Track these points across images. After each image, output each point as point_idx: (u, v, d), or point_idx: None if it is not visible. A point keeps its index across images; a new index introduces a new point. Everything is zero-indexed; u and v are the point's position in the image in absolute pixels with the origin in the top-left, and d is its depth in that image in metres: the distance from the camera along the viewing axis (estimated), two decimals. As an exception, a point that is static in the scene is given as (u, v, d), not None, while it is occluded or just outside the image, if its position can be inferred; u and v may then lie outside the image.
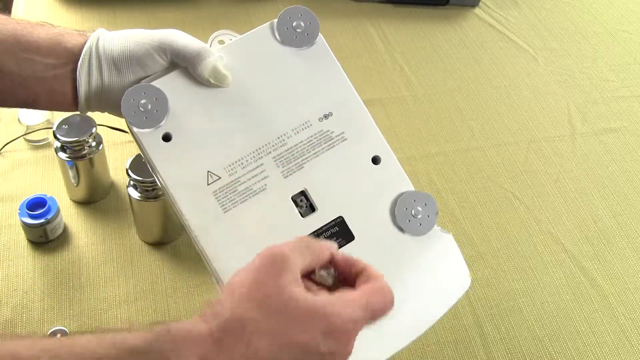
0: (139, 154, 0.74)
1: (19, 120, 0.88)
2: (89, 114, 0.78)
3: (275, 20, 0.54)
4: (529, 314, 0.76)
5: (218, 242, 0.50)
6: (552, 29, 1.19)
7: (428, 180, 0.90)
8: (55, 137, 0.76)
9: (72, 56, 0.51)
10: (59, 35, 0.51)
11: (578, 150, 0.97)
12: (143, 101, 0.50)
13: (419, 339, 0.72)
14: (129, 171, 0.72)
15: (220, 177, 0.51)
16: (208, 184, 0.50)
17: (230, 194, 0.50)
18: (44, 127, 0.88)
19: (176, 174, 0.50)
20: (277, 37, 0.53)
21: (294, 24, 0.53)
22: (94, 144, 0.79)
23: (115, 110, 0.52)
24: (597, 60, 1.13)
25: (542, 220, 0.86)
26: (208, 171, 0.51)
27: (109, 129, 0.89)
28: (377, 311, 0.42)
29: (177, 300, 0.74)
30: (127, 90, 0.50)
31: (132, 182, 0.74)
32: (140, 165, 0.73)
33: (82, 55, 0.50)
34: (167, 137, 0.51)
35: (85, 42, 0.51)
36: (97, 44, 0.51)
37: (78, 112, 0.78)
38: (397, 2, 1.21)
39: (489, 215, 0.87)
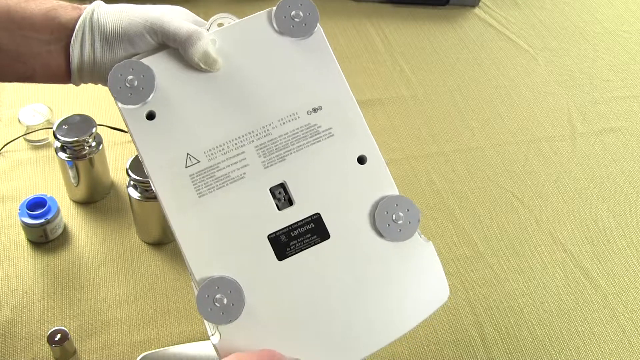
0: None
1: (19, 120, 0.88)
2: (89, 113, 0.78)
3: (274, 7, 0.53)
4: (529, 314, 0.76)
5: (191, 226, 0.49)
6: (552, 29, 1.19)
7: (428, 180, 0.90)
8: (55, 137, 0.76)
9: (66, 31, 0.51)
10: (53, 10, 0.51)
11: (578, 150, 0.97)
12: (130, 77, 0.49)
13: (416, 340, 0.73)
14: (129, 171, 0.72)
15: (199, 161, 0.50)
16: (186, 167, 0.49)
17: (207, 179, 0.50)
18: (44, 127, 0.88)
19: (156, 153, 0.50)
20: (274, 25, 0.52)
21: (293, 13, 0.52)
22: (94, 144, 0.79)
23: (106, 83, 0.52)
24: (597, 60, 1.13)
25: (542, 220, 0.86)
26: (187, 154, 0.50)
27: (109, 129, 0.89)
28: None
29: (177, 300, 0.74)
30: (115, 66, 0.50)
31: (132, 182, 0.74)
32: (140, 165, 0.73)
33: (75, 30, 0.50)
34: (150, 116, 0.50)
35: (79, 16, 0.51)
36: (91, 18, 0.51)
37: (78, 113, 0.78)
38: (397, 2, 1.21)
39: (489, 215, 0.87)
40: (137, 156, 0.73)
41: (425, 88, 1.05)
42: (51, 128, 0.80)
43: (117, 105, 0.50)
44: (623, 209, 0.89)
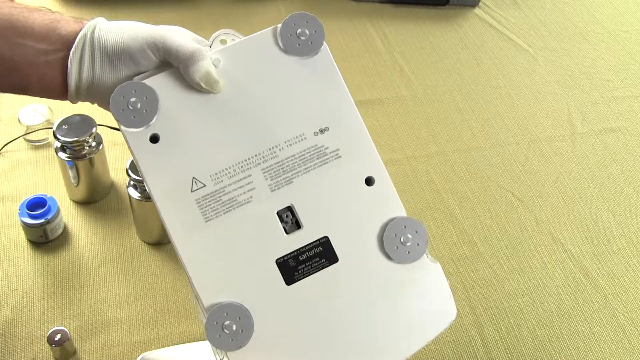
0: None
1: (19, 120, 0.88)
2: (89, 113, 0.78)
3: (279, 25, 0.51)
4: (529, 314, 0.76)
5: (197, 252, 0.48)
6: (552, 29, 1.19)
7: (428, 180, 0.90)
8: (55, 137, 0.76)
9: (65, 43, 0.49)
10: (55, 22, 0.50)
11: (578, 150, 0.97)
12: (133, 99, 0.48)
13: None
14: (129, 171, 0.72)
15: (205, 185, 0.49)
16: (192, 191, 0.49)
17: (213, 203, 0.49)
18: (44, 127, 0.88)
19: (160, 177, 0.48)
20: (280, 43, 0.51)
21: (299, 31, 0.51)
22: (94, 144, 0.79)
23: (105, 103, 0.51)
24: (597, 60, 1.13)
25: (542, 220, 0.86)
26: (193, 177, 0.49)
27: (109, 129, 0.89)
28: None
29: (177, 300, 0.74)
30: (117, 87, 0.48)
31: (132, 182, 0.74)
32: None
33: (75, 43, 0.49)
34: (154, 138, 0.49)
35: (80, 30, 0.50)
36: (92, 33, 0.50)
37: (78, 113, 0.78)
38: (397, 2, 1.21)
39: (489, 215, 0.87)
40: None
41: (425, 88, 1.05)
42: (51, 128, 0.80)
43: (119, 128, 0.49)
44: (623, 209, 0.89)
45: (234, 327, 0.47)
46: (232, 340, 0.47)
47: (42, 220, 0.75)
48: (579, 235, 0.85)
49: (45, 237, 0.77)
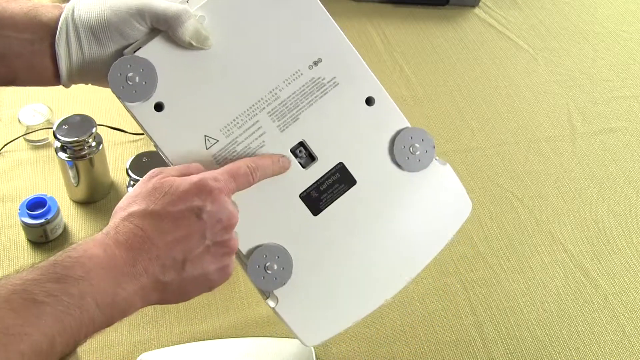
0: (139, 154, 0.74)
1: (19, 120, 0.88)
2: (89, 113, 0.78)
3: None
4: (529, 314, 0.76)
5: None
6: (552, 29, 1.19)
7: (428, 180, 0.90)
8: (55, 137, 0.76)
9: (49, 30, 0.49)
10: (34, 9, 0.50)
11: (578, 150, 0.97)
12: (130, 74, 0.49)
13: (416, 340, 0.73)
14: (129, 171, 0.72)
15: (217, 140, 0.50)
16: (207, 148, 0.50)
17: (229, 155, 0.51)
18: (44, 127, 0.88)
19: (174, 142, 0.50)
20: None
21: None
22: (94, 144, 0.79)
23: (99, 81, 0.51)
24: (597, 60, 1.13)
25: (542, 220, 0.86)
26: (205, 135, 0.50)
27: (109, 128, 0.89)
28: (236, 170, 0.47)
29: (177, 300, 0.74)
30: (113, 66, 0.49)
31: (132, 182, 0.74)
32: (140, 165, 0.73)
33: (58, 28, 0.49)
34: (159, 107, 0.50)
35: (60, 15, 0.49)
36: (72, 15, 0.49)
37: (78, 113, 0.78)
38: (397, 2, 1.21)
39: (489, 215, 0.87)
40: (137, 156, 0.73)
41: (425, 88, 1.05)
42: (51, 128, 0.79)
43: (123, 104, 0.49)
44: (623, 209, 0.89)
45: (275, 267, 0.50)
46: (275, 278, 0.50)
47: (42, 220, 0.75)
48: (579, 235, 0.85)
49: (45, 237, 0.77)
